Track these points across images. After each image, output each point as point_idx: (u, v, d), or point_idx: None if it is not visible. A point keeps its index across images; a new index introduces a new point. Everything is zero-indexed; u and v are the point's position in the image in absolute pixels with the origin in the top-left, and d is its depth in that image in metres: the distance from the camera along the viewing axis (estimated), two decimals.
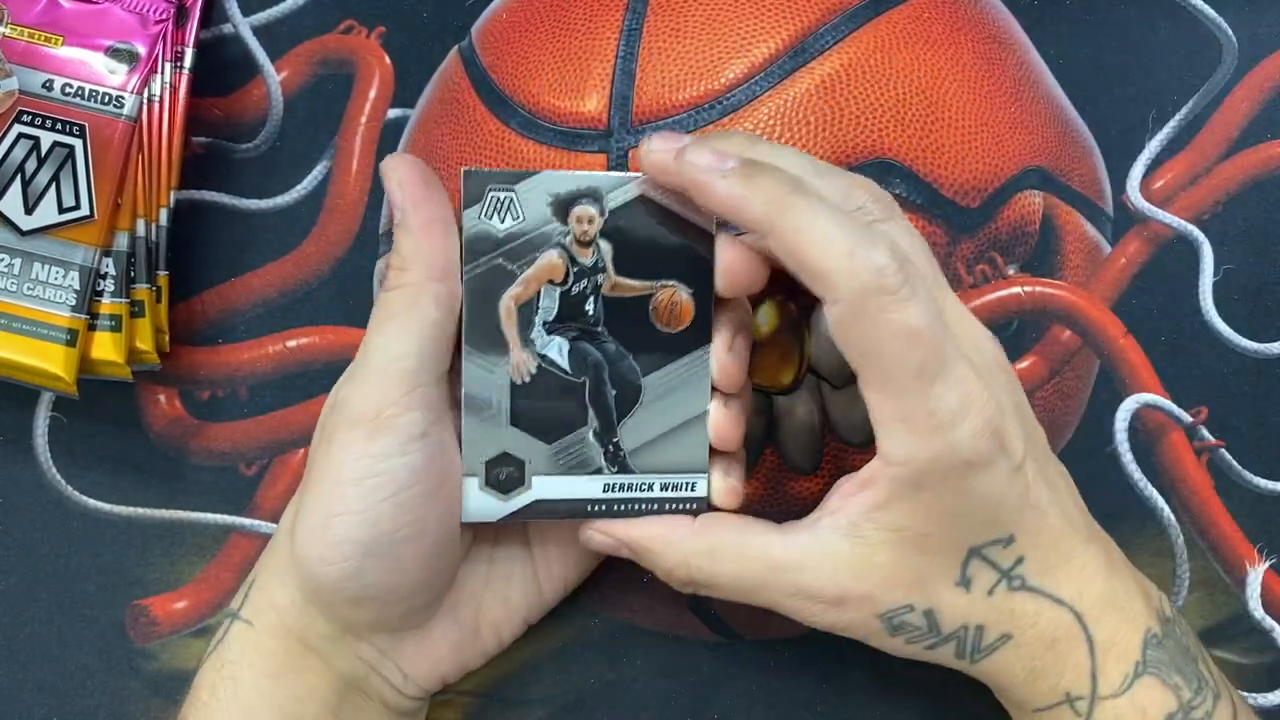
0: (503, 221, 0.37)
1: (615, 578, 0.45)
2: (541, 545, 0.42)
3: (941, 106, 0.45)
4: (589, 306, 0.38)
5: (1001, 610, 0.37)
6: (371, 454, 0.36)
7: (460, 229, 0.38)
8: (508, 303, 0.37)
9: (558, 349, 0.38)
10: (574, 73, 0.45)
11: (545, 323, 0.38)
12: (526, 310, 0.37)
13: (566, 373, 0.38)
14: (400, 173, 0.37)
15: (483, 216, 0.37)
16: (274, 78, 0.46)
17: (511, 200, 0.37)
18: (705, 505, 0.39)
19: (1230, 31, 0.46)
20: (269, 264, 0.46)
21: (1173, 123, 0.46)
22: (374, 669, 0.40)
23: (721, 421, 0.39)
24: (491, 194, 0.37)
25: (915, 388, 0.34)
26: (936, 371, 0.34)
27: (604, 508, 0.39)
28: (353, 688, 0.40)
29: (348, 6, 0.47)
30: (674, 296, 0.38)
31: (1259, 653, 0.46)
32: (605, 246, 0.37)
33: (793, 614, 0.37)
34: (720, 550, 0.37)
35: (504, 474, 0.38)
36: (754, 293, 0.38)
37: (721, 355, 0.38)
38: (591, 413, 0.38)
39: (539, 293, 0.37)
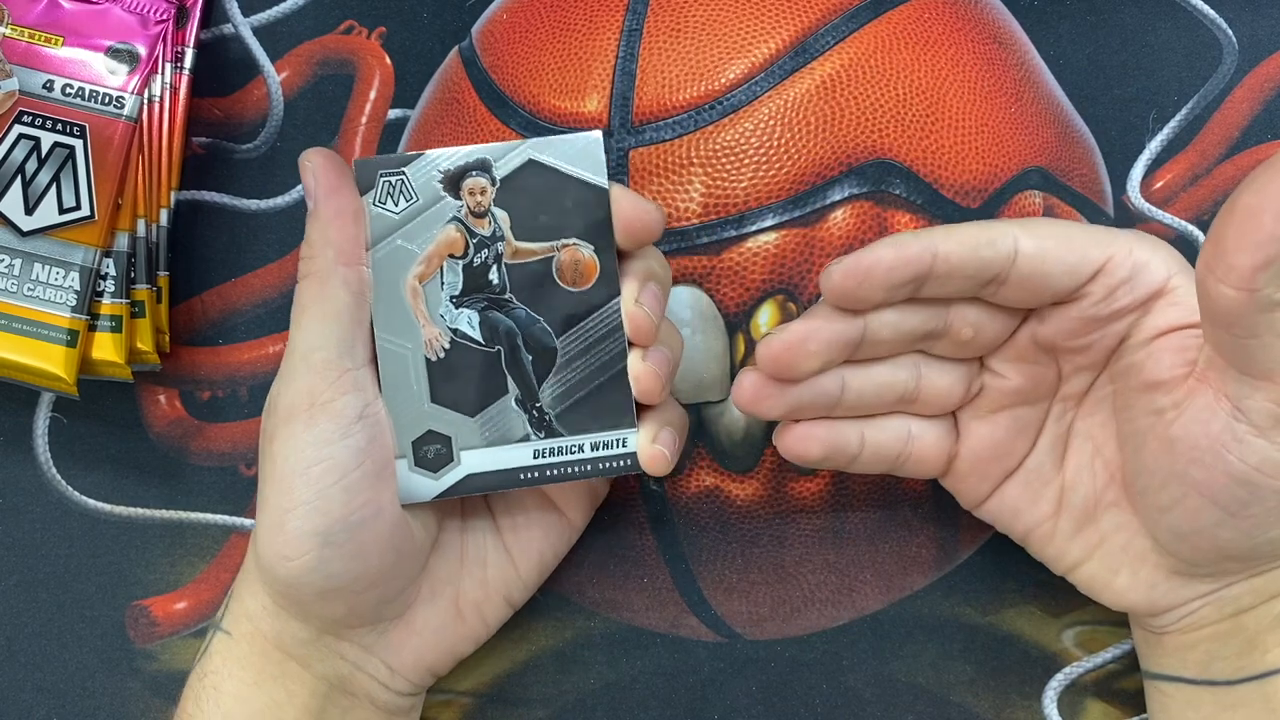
0: (397, 204, 0.38)
1: (615, 578, 0.45)
2: (509, 518, 0.42)
3: (942, 107, 0.45)
4: (493, 275, 0.38)
5: None
6: (311, 441, 0.36)
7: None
8: (411, 282, 0.38)
9: (468, 321, 0.38)
10: (574, 73, 0.45)
11: (452, 297, 0.38)
12: (432, 287, 0.38)
13: (480, 344, 0.38)
14: (316, 164, 0.37)
15: (377, 202, 0.38)
16: (274, 78, 0.46)
17: (403, 182, 0.38)
18: (639, 461, 0.39)
19: (1230, 31, 0.46)
20: (269, 264, 0.46)
21: (1173, 123, 0.46)
22: (358, 667, 0.40)
23: (641, 373, 0.38)
24: (383, 179, 0.38)
25: None
26: None
27: (537, 474, 0.39)
28: (337, 689, 0.40)
29: (348, 7, 0.47)
30: (575, 255, 0.38)
31: None
32: (501, 215, 0.38)
33: None
34: None
35: (432, 452, 0.38)
36: (654, 240, 0.38)
37: (630, 307, 0.38)
38: (511, 380, 0.38)
39: (442, 268, 0.38)
